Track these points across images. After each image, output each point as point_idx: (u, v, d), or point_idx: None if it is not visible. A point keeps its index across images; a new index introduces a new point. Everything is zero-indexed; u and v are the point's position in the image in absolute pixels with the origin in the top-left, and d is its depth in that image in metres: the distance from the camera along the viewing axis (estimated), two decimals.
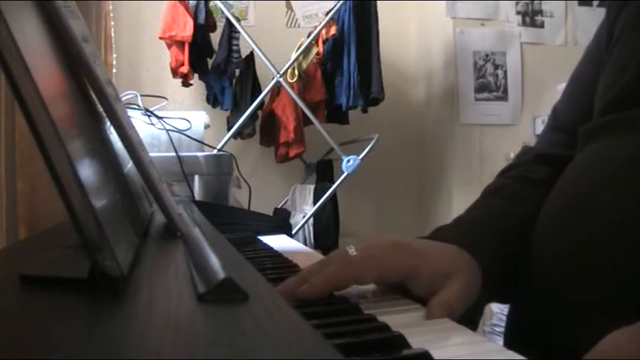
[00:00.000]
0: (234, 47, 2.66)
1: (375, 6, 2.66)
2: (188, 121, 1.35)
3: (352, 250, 0.50)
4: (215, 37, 2.72)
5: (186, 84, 2.71)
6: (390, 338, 0.36)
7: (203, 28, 2.62)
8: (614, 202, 0.50)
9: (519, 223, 0.60)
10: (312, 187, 2.70)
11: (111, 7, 2.73)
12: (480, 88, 2.99)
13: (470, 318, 0.50)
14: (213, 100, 2.82)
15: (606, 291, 0.48)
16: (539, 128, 2.99)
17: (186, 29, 2.53)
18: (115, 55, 2.71)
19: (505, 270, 0.58)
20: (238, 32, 2.60)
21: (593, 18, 3.05)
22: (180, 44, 2.58)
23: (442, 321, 0.44)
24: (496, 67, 3.01)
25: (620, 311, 0.47)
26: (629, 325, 0.43)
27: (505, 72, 3.01)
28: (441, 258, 0.51)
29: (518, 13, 3.04)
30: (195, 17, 2.57)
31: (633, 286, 0.46)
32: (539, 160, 0.68)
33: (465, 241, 0.54)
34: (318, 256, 0.93)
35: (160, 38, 2.59)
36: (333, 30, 2.64)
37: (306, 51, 2.60)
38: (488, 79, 3.00)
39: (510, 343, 0.60)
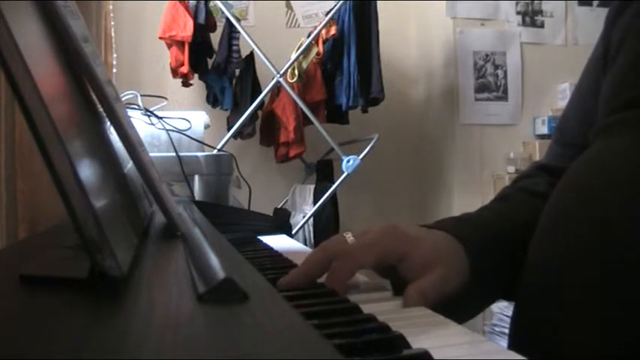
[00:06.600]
0: (234, 47, 2.66)
1: (375, 6, 2.66)
2: (188, 121, 1.35)
3: (349, 236, 0.53)
4: (215, 37, 2.72)
5: (186, 84, 2.71)
6: (390, 338, 0.36)
7: (203, 28, 2.62)
8: (612, 203, 0.50)
9: (518, 227, 0.62)
10: (312, 187, 2.69)
11: (111, 7, 2.73)
12: (480, 88, 2.99)
13: (453, 307, 0.50)
14: (213, 100, 2.82)
15: (597, 296, 0.48)
16: (539, 128, 3.00)
17: (186, 29, 2.53)
18: (115, 55, 2.71)
19: (501, 266, 0.59)
20: (238, 32, 2.60)
21: (593, 18, 3.05)
22: (181, 44, 2.58)
23: (441, 320, 0.44)
24: (496, 67, 3.01)
25: (608, 317, 0.47)
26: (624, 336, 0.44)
27: (505, 72, 3.01)
28: (430, 245, 0.54)
29: (518, 13, 3.04)
30: (195, 17, 2.57)
31: (629, 289, 0.46)
32: (543, 172, 0.70)
33: (457, 231, 0.57)
34: None
35: (160, 38, 2.59)
36: (333, 30, 2.64)
37: (306, 51, 2.60)
38: (489, 79, 3.00)
39: (514, 343, 0.60)
